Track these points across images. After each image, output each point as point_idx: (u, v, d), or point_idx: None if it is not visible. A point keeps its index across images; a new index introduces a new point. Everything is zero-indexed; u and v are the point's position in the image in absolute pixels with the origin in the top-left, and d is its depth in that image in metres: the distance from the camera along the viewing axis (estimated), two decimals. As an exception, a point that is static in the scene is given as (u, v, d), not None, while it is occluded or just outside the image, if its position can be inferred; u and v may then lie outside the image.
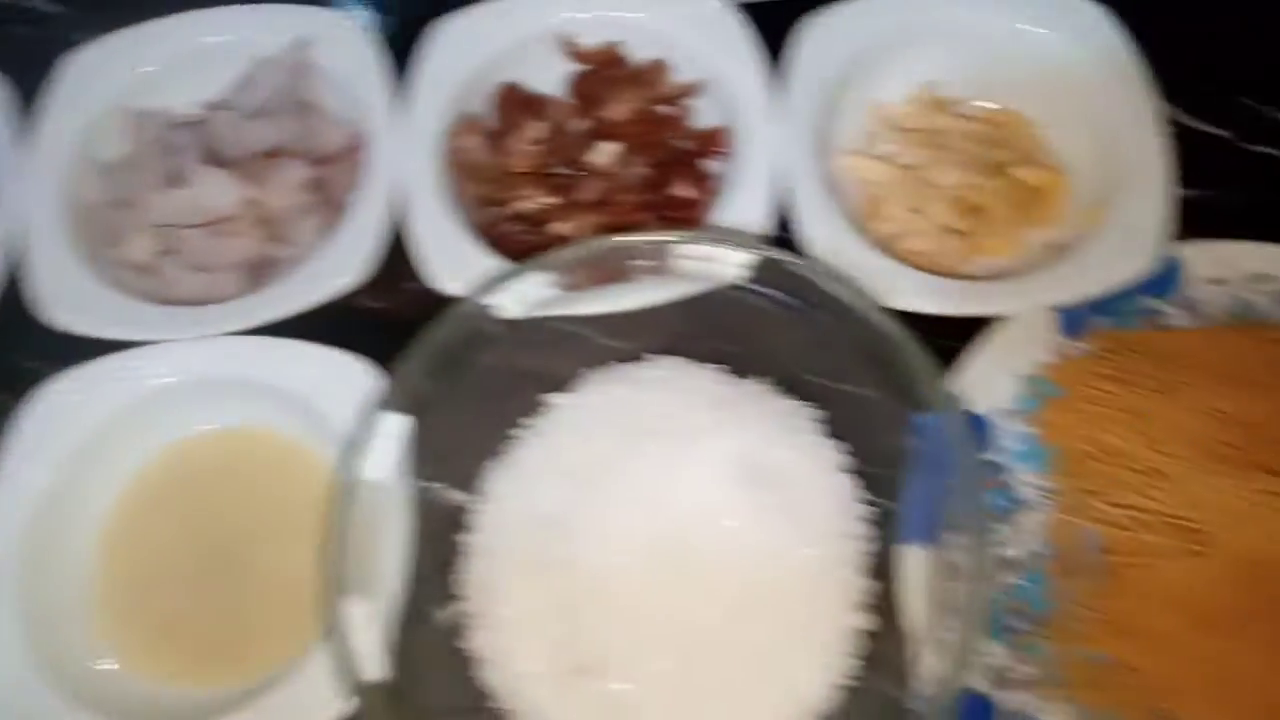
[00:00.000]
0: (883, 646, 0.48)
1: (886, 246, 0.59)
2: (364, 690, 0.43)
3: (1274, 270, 0.56)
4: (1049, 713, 0.50)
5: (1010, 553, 0.53)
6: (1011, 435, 0.55)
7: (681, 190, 0.59)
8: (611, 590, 0.48)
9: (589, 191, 0.60)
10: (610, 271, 0.53)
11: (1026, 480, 0.54)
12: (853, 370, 0.50)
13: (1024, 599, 0.52)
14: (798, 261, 0.51)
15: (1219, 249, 0.56)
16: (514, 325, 0.51)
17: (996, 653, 0.51)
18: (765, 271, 0.52)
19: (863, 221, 0.59)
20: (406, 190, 0.58)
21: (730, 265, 0.53)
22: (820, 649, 0.48)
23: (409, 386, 0.49)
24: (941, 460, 0.46)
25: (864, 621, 0.48)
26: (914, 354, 0.47)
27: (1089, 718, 0.49)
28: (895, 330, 0.48)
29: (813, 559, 0.49)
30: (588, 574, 0.49)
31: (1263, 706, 0.48)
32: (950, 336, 0.56)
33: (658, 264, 0.53)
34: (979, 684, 0.50)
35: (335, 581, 0.45)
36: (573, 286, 0.52)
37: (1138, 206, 0.54)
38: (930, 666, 0.43)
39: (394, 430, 0.48)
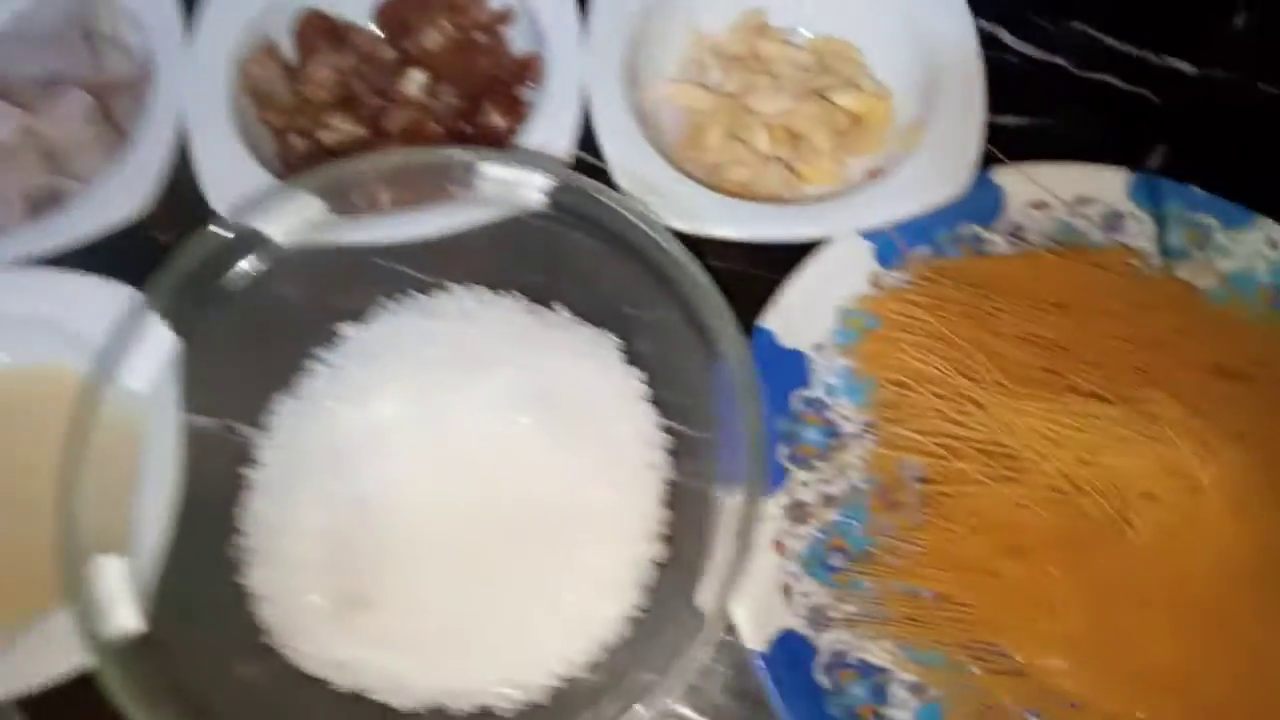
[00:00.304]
0: (672, 575, 0.45)
1: (710, 176, 0.56)
2: (105, 647, 0.39)
3: (1097, 193, 0.54)
4: (870, 651, 0.48)
5: (831, 489, 0.50)
6: (830, 369, 0.52)
7: (494, 119, 0.56)
8: (394, 523, 0.46)
9: (397, 121, 0.56)
10: (401, 194, 0.50)
11: (846, 414, 0.52)
12: (653, 300, 0.48)
13: (844, 535, 0.50)
14: (598, 188, 0.48)
15: (1041, 172, 0.54)
16: (292, 252, 0.47)
17: (816, 591, 0.49)
18: (567, 197, 0.49)
19: (684, 150, 0.56)
20: (193, 120, 0.54)
21: (531, 190, 0.49)
22: (610, 581, 0.45)
23: (163, 310, 0.44)
24: (733, 396, 0.43)
25: (656, 552, 0.46)
26: (704, 288, 0.44)
27: (911, 653, 0.47)
28: (688, 262, 0.45)
29: (608, 490, 0.46)
30: (371, 507, 0.46)
31: (1078, 632, 0.46)
32: (773, 269, 0.53)
33: (453, 187, 0.50)
34: (797, 623, 0.47)
35: (74, 519, 0.40)
36: (359, 210, 0.48)
37: (953, 129, 0.52)
38: (710, 596, 0.40)
39: (153, 354, 0.44)
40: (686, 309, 0.46)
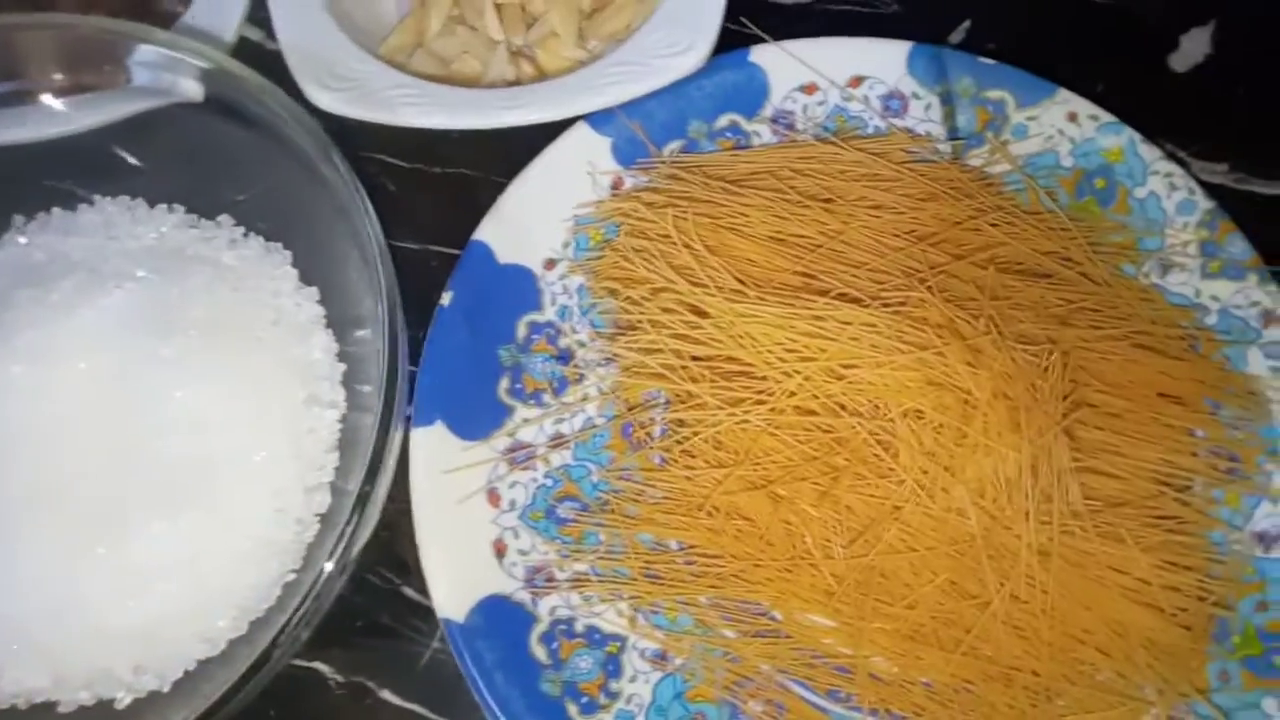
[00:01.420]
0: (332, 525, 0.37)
1: (442, 70, 0.47)
2: None
3: (873, 71, 0.46)
4: (602, 616, 0.40)
5: (563, 427, 0.42)
6: (563, 287, 0.44)
7: (171, 5, 0.46)
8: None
9: (66, 5, 0.47)
10: (37, 76, 0.41)
11: (582, 339, 0.44)
12: (318, 210, 0.39)
13: (577, 481, 0.42)
14: (255, 79, 0.40)
15: (807, 49, 0.46)
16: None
17: (538, 548, 0.40)
18: (224, 88, 0.40)
19: (406, 40, 0.48)
20: None
21: (187, 77, 0.40)
22: (267, 543, 0.36)
23: None
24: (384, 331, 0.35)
25: (321, 503, 0.37)
26: (351, 196, 0.36)
27: (648, 614, 0.39)
28: (335, 167, 0.37)
29: (274, 433, 0.38)
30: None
31: (841, 583, 0.38)
32: (504, 172, 0.45)
33: (102, 70, 0.41)
34: (510, 587, 0.39)
35: None
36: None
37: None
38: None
39: None
40: (345, 217, 0.37)
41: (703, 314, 0.40)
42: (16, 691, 0.36)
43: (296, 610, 0.32)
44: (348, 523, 0.33)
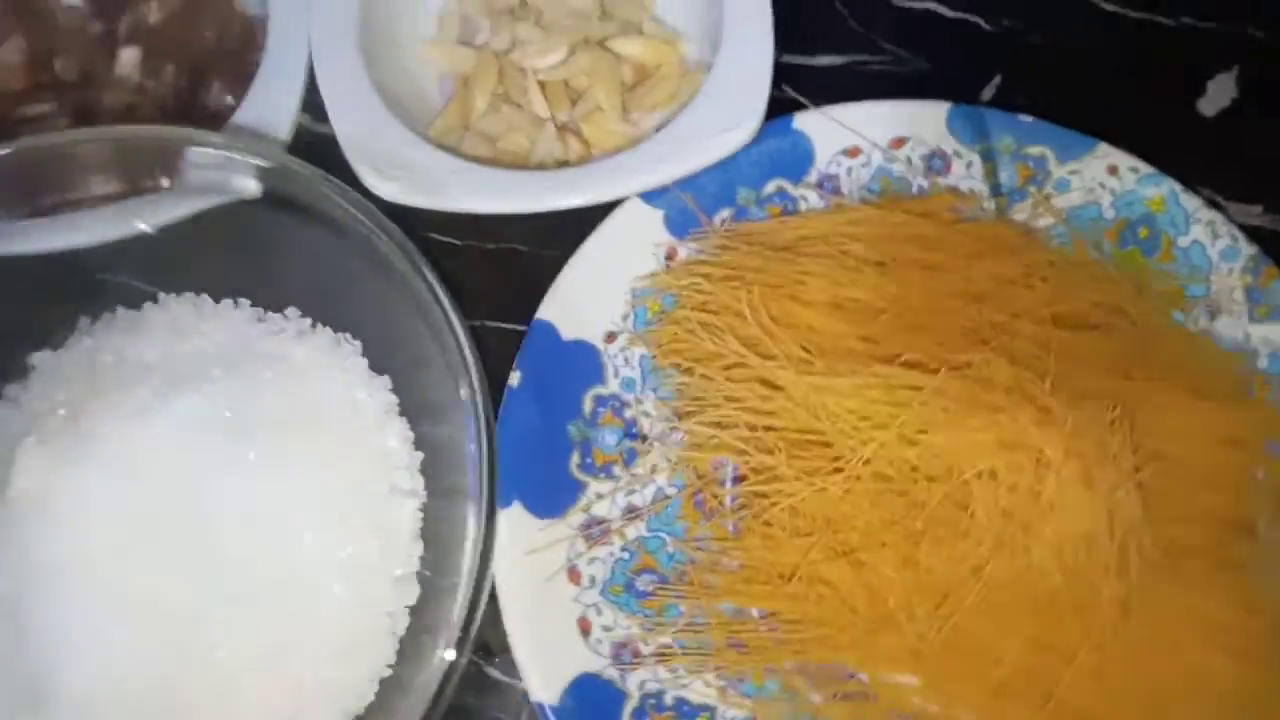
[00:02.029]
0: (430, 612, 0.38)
1: (491, 149, 0.48)
2: None
3: (914, 132, 0.47)
4: (690, 688, 0.40)
5: (635, 499, 0.43)
6: (626, 360, 0.45)
7: (222, 97, 0.47)
8: (79, 594, 0.37)
9: (107, 107, 0.47)
10: (97, 185, 0.41)
11: (648, 410, 0.44)
12: (386, 298, 0.39)
13: (653, 552, 0.42)
14: (313, 172, 0.40)
15: (848, 113, 0.47)
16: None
17: (621, 623, 0.41)
18: (281, 183, 0.41)
19: (455, 120, 0.48)
20: None
21: (245, 175, 0.41)
22: (361, 640, 0.37)
23: None
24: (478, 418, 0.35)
25: (411, 596, 0.38)
26: (423, 283, 0.37)
27: (735, 683, 0.40)
28: (405, 255, 0.37)
29: (357, 527, 0.38)
30: (51, 575, 0.37)
31: (925, 642, 0.39)
32: (558, 248, 0.46)
33: (158, 174, 0.42)
34: (597, 665, 0.40)
35: None
36: (46, 206, 0.40)
37: (739, 67, 0.44)
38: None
39: None
40: (418, 306, 0.38)
41: (775, 386, 0.40)
42: (115, 802, 0.36)
43: (429, 707, 0.32)
44: (469, 611, 0.33)
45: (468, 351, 0.36)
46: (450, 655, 0.34)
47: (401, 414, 0.42)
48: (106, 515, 0.38)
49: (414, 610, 0.39)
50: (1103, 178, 0.46)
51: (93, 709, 0.36)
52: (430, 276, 0.37)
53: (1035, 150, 0.47)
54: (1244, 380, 0.43)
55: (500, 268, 0.49)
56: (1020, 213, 0.47)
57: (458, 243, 0.49)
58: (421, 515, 0.40)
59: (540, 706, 0.39)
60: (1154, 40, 0.52)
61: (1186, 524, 0.41)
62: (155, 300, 0.43)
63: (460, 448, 0.39)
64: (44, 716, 0.36)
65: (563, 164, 0.47)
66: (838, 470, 0.41)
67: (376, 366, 0.42)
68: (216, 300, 0.43)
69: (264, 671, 0.37)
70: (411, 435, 0.41)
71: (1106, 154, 0.46)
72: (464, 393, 0.37)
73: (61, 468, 0.38)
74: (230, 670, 0.36)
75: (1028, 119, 0.47)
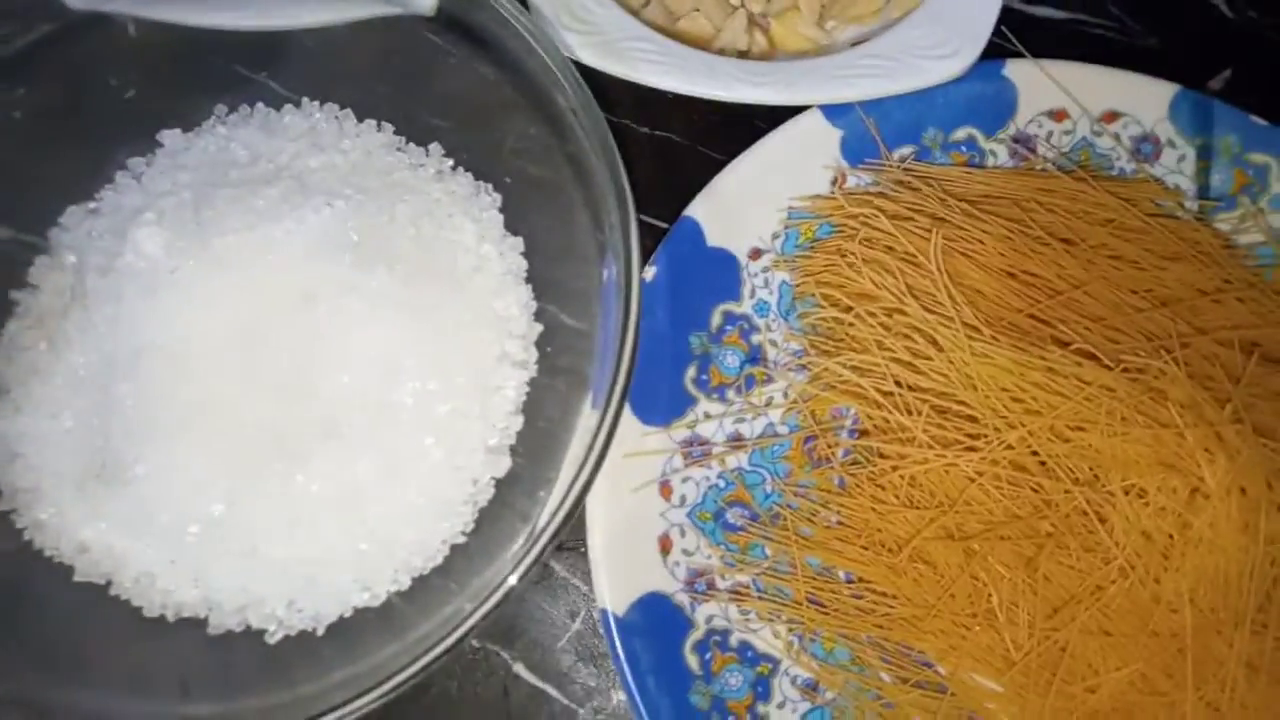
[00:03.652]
0: (508, 494, 0.35)
1: (670, 24, 0.45)
2: None
3: (1132, 108, 0.42)
4: (758, 634, 0.38)
5: (744, 428, 0.40)
6: (765, 281, 0.41)
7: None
8: (173, 386, 0.35)
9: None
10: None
11: (776, 339, 0.41)
12: (547, 154, 0.36)
13: (750, 488, 0.39)
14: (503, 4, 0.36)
15: (1067, 72, 0.42)
16: (89, 17, 0.36)
17: (702, 550, 0.38)
18: (460, 3, 0.37)
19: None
20: None
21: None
22: (439, 501, 0.35)
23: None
24: (613, 291, 0.32)
25: (501, 468, 0.35)
26: (601, 151, 0.33)
27: (806, 641, 0.37)
28: (589, 112, 0.34)
29: (461, 386, 0.36)
30: (148, 362, 0.35)
31: (1020, 651, 0.36)
32: (729, 148, 0.42)
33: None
34: (671, 587, 0.37)
35: None
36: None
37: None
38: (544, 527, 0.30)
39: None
40: (581, 173, 0.35)
41: (934, 345, 0.37)
42: (166, 601, 0.35)
43: (499, 598, 0.30)
44: (563, 513, 0.30)
45: (634, 240, 0.33)
46: (524, 545, 0.31)
47: (528, 282, 0.39)
48: (213, 312, 0.36)
49: (500, 484, 0.36)
50: (1329, 204, 0.42)
51: (159, 505, 0.34)
52: (614, 149, 0.34)
53: (1259, 158, 0.42)
54: None
55: (652, 155, 0.46)
56: (1223, 222, 0.42)
57: (612, 119, 0.45)
58: (528, 390, 0.37)
59: (605, 613, 0.37)
60: None
61: (1336, 595, 0.37)
62: (298, 105, 0.40)
63: (585, 332, 0.36)
64: (111, 499, 0.34)
65: (743, 55, 0.43)
66: (973, 449, 0.37)
67: (512, 227, 0.39)
68: (359, 120, 0.40)
69: (338, 510, 0.35)
70: (534, 305, 0.39)
71: (1340, 179, 0.41)
72: (608, 277, 0.34)
73: (175, 252, 0.36)
74: (303, 500, 0.35)
75: (1262, 122, 0.42)
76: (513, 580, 0.30)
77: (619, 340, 0.31)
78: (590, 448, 0.31)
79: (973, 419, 0.37)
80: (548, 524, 0.30)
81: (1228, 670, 0.35)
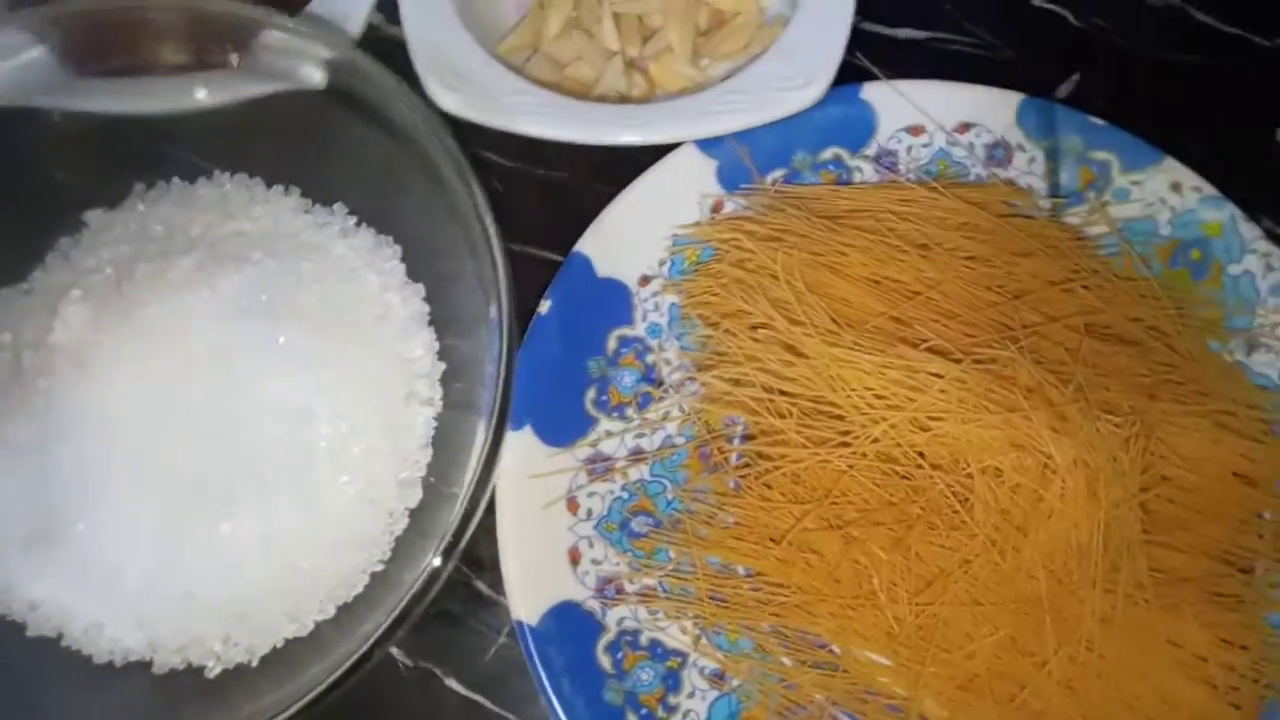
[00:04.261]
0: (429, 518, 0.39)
1: (555, 75, 0.48)
2: None
3: (982, 119, 0.46)
4: (666, 632, 0.41)
5: (644, 443, 0.43)
6: (655, 306, 0.45)
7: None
8: (105, 447, 0.38)
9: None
10: (165, 54, 0.42)
11: (670, 358, 0.45)
12: (431, 206, 0.40)
13: (652, 497, 0.43)
14: (379, 72, 0.40)
15: (920, 90, 0.46)
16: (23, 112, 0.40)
17: (610, 559, 0.42)
18: (347, 78, 0.41)
19: (523, 40, 0.48)
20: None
21: (312, 64, 0.41)
22: (360, 534, 0.38)
23: None
24: (501, 338, 0.36)
25: (415, 499, 0.39)
26: (471, 201, 0.37)
27: (710, 634, 0.41)
28: (457, 169, 0.37)
29: (373, 428, 0.39)
30: (81, 425, 0.39)
31: (902, 626, 0.40)
32: (608, 182, 0.46)
33: (227, 51, 0.42)
34: (581, 595, 0.41)
35: None
36: (109, 67, 0.41)
37: (815, 27, 0.44)
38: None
39: None
40: (460, 222, 0.39)
41: (797, 353, 0.41)
42: (113, 648, 0.38)
43: (407, 604, 0.33)
44: (463, 520, 0.34)
45: (501, 271, 0.37)
46: (439, 561, 0.35)
47: (430, 324, 0.42)
48: (138, 377, 0.39)
49: (414, 513, 0.40)
50: (1164, 193, 0.45)
51: (100, 559, 0.38)
52: (477, 191, 0.38)
53: (1101, 155, 0.46)
54: (1269, 419, 0.42)
55: (546, 196, 0.49)
56: (1074, 216, 0.46)
57: (507, 164, 0.50)
58: (435, 424, 0.41)
59: (520, 624, 0.40)
60: (1244, 59, 0.51)
61: (1184, 552, 0.41)
62: (210, 177, 0.44)
63: (481, 365, 0.39)
64: (56, 557, 0.37)
65: (624, 100, 0.47)
66: (845, 445, 0.41)
67: (413, 274, 0.43)
68: (268, 186, 0.44)
69: (264, 551, 0.38)
70: (437, 345, 0.42)
71: (1172, 169, 0.45)
72: (492, 312, 0.37)
73: (102, 325, 0.39)
74: (232, 545, 0.38)
75: (1099, 122, 0.46)
76: (418, 586, 0.33)
77: (498, 366, 0.35)
78: (479, 461, 0.34)
79: (841, 417, 0.41)
80: (443, 537, 0.33)
81: (1084, 626, 0.38)
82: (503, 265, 0.37)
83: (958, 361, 0.40)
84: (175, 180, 0.44)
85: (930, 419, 0.40)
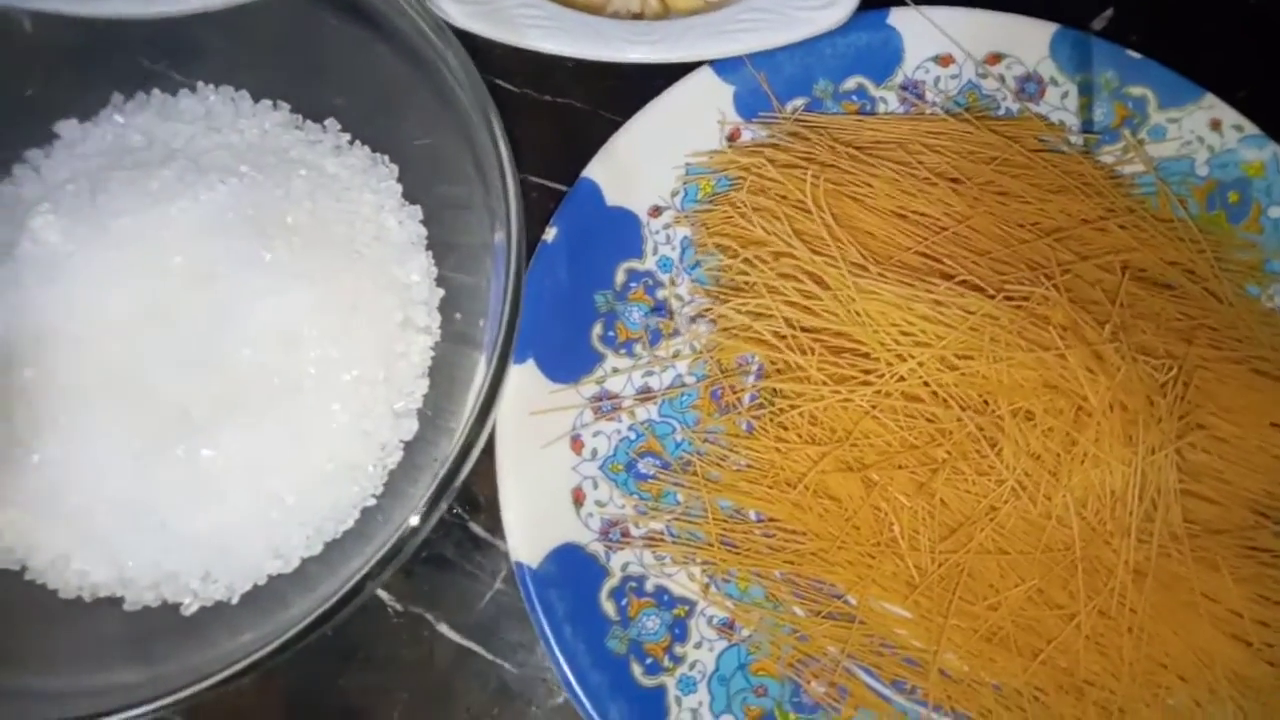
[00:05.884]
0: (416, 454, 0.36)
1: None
2: None
3: (1014, 49, 0.44)
4: (673, 578, 0.39)
5: (652, 380, 0.41)
6: (667, 238, 0.42)
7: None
8: (71, 365, 0.36)
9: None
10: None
11: (681, 293, 0.42)
12: (436, 122, 0.37)
13: (661, 438, 0.40)
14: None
15: (950, 17, 0.44)
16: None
17: (615, 501, 0.39)
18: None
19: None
20: None
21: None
22: (347, 467, 0.36)
23: None
24: (508, 266, 0.33)
25: (408, 431, 0.36)
26: (481, 119, 0.34)
27: (720, 582, 0.38)
28: (472, 88, 0.34)
29: (365, 356, 0.36)
30: (47, 342, 0.36)
31: (924, 576, 0.37)
32: (617, 110, 0.43)
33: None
34: (584, 537, 0.38)
35: None
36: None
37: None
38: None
39: None
40: (468, 140, 0.36)
41: (822, 284, 0.38)
42: (81, 583, 0.35)
43: (397, 540, 0.31)
44: (460, 456, 0.31)
45: (512, 195, 0.34)
46: (433, 495, 0.32)
47: (428, 249, 0.40)
48: (113, 293, 0.36)
49: (408, 446, 0.37)
50: (1203, 132, 0.43)
51: (67, 485, 0.35)
52: (492, 114, 0.35)
53: (1137, 90, 0.44)
54: (1310, 367, 0.40)
55: (554, 122, 0.46)
56: (1108, 154, 0.44)
57: (513, 89, 0.47)
58: (432, 354, 0.38)
59: (520, 566, 0.38)
60: (1287, -4, 0.49)
61: (1218, 504, 0.39)
62: (192, 90, 0.41)
63: (483, 294, 0.37)
64: (18, 484, 0.35)
65: (636, 18, 0.44)
66: (867, 383, 0.38)
67: (411, 196, 0.40)
68: (255, 100, 0.41)
69: (248, 482, 0.35)
70: (435, 272, 0.39)
71: (1212, 106, 0.43)
72: (498, 238, 0.35)
73: (73, 237, 0.36)
74: (213, 473, 0.35)
75: (1136, 55, 0.44)
76: (413, 521, 0.31)
77: (504, 294, 0.32)
78: (478, 396, 0.31)
79: (865, 355, 0.39)
80: (439, 471, 0.31)
81: (1117, 579, 0.36)
82: (514, 189, 0.34)
83: (991, 297, 0.38)
84: (155, 92, 0.41)
85: (959, 357, 0.37)
